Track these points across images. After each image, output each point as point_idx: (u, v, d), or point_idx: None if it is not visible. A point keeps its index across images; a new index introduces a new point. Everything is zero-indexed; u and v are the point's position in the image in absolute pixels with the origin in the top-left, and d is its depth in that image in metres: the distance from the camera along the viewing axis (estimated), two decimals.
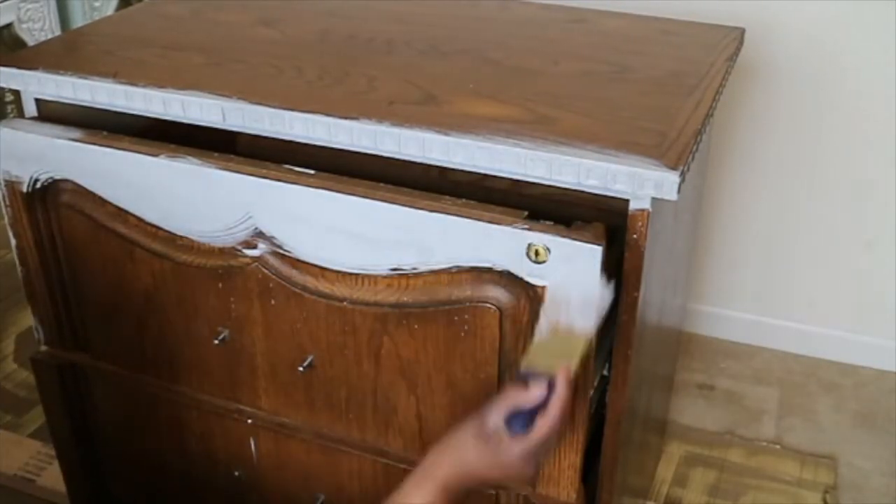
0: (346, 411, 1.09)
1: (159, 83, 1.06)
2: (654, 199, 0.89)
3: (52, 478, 1.59)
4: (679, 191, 0.87)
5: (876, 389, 1.88)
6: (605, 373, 1.03)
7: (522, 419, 0.86)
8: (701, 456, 1.71)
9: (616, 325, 0.97)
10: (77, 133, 1.08)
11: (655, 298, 1.11)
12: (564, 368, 0.86)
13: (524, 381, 0.88)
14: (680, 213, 1.17)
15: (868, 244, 1.85)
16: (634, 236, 0.92)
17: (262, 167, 1.00)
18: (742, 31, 1.28)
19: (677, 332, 1.61)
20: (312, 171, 0.99)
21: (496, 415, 0.87)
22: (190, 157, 1.02)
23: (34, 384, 1.34)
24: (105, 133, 1.08)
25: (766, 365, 1.96)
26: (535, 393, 0.86)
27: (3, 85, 1.13)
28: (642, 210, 0.90)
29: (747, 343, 2.01)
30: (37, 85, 1.11)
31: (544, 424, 0.86)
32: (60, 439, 1.35)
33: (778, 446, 1.74)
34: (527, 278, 0.91)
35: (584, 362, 0.91)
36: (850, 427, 1.78)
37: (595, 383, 1.02)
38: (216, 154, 1.03)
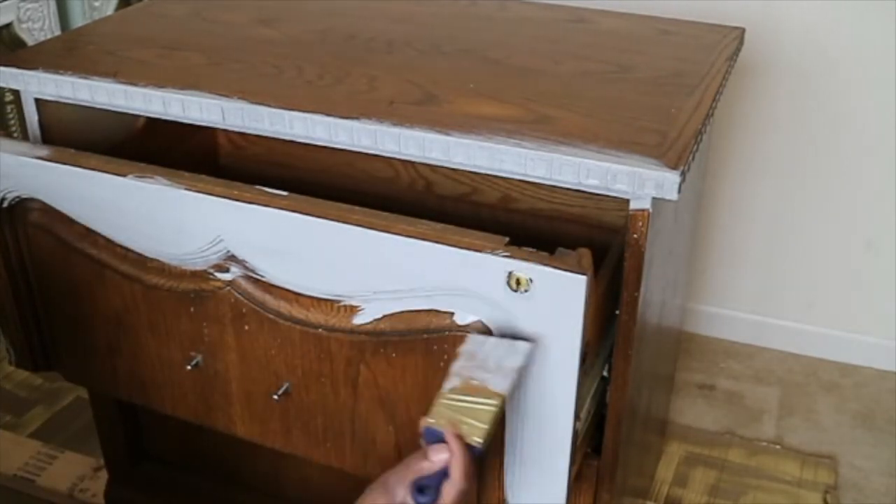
0: (323, 440, 1.04)
1: (159, 83, 1.06)
2: (654, 199, 0.89)
3: (52, 478, 1.59)
4: (679, 190, 0.87)
5: (876, 389, 1.88)
6: (605, 373, 1.03)
7: (429, 489, 0.81)
8: (701, 456, 1.71)
9: (616, 325, 0.97)
10: (44, 151, 1.04)
11: (655, 298, 1.11)
12: (452, 432, 0.81)
13: (428, 440, 0.82)
14: (680, 213, 1.17)
15: (868, 244, 1.85)
16: (634, 236, 0.92)
17: (232, 188, 0.96)
18: (742, 31, 1.28)
19: (677, 332, 1.61)
20: (285, 193, 0.95)
21: (401, 487, 0.82)
22: (158, 178, 0.98)
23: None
24: (72, 151, 1.04)
25: (767, 365, 1.96)
26: (437, 459, 0.81)
27: (3, 85, 1.13)
28: (642, 210, 0.90)
29: (747, 343, 2.01)
30: (36, 85, 1.10)
31: (450, 491, 0.81)
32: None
33: (778, 446, 1.73)
34: (508, 308, 0.86)
35: (498, 420, 0.84)
36: (850, 427, 1.78)
37: (595, 384, 1.02)
38: (186, 174, 0.99)
